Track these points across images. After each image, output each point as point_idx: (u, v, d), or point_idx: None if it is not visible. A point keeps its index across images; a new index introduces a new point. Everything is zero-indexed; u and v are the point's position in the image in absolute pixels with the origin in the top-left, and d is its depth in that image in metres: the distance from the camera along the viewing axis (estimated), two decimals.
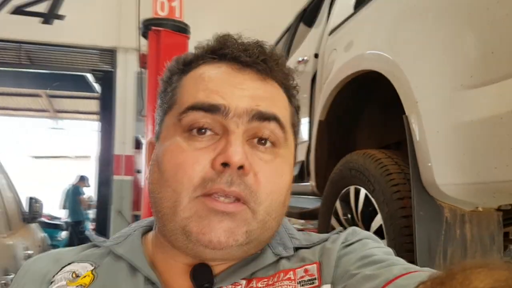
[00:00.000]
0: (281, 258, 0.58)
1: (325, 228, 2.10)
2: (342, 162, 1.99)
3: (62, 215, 8.58)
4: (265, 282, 0.55)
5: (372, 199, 1.72)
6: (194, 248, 0.53)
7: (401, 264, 0.49)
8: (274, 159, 0.56)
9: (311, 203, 2.63)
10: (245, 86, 0.56)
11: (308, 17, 3.10)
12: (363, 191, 1.80)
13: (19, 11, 6.01)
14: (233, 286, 0.55)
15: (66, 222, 7.99)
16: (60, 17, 6.06)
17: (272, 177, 0.55)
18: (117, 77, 6.14)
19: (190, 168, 0.52)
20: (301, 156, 2.54)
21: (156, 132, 0.62)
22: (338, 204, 2.02)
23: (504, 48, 1.18)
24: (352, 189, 1.89)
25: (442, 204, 1.42)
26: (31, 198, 3.29)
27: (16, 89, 9.17)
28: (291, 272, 0.55)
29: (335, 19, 2.36)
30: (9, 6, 6.03)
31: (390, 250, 0.56)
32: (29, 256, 2.35)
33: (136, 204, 5.79)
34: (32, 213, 3.20)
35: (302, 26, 3.20)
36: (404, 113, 1.49)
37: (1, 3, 5.96)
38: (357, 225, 1.85)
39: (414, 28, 1.56)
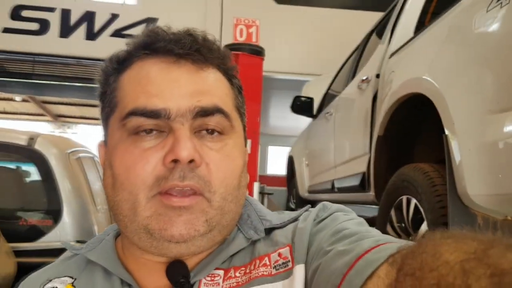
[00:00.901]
0: (255, 241, 0.59)
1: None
2: (396, 174, 2.22)
3: None
4: (242, 271, 0.56)
5: (420, 208, 1.95)
6: (159, 245, 0.54)
7: (372, 236, 0.50)
8: (223, 146, 0.57)
9: (372, 212, 2.86)
10: (183, 81, 0.56)
11: (379, 30, 3.32)
12: (413, 201, 2.03)
13: (117, 34, 6.80)
14: (211, 278, 0.55)
15: None
16: None
17: (224, 164, 0.56)
18: None
19: (142, 169, 0.53)
20: (363, 168, 2.78)
21: (103, 135, 0.62)
22: (392, 213, 2.24)
23: None
24: (404, 198, 2.12)
25: (476, 212, 1.62)
26: None
27: None
28: (266, 258, 0.56)
29: (396, 42, 2.59)
30: (109, 30, 6.84)
31: (361, 220, 0.57)
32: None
33: None
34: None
35: (374, 37, 3.43)
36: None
37: (102, 27, 6.78)
38: (409, 232, 2.09)
39: (454, 55, 1.78)
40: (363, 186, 2.80)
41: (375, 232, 0.52)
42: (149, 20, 6.83)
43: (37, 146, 2.15)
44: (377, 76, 2.73)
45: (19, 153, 2.18)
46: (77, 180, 2.29)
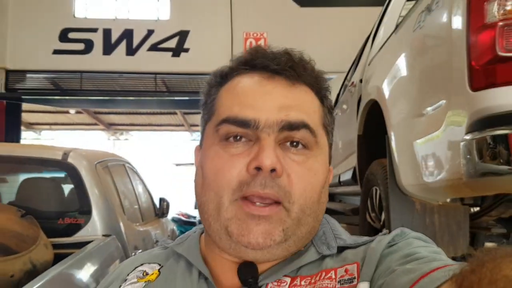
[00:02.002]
0: (325, 256, 0.60)
1: (363, 221, 2.66)
2: (369, 168, 2.55)
3: (196, 214, 9.98)
4: (308, 281, 0.57)
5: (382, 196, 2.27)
6: (237, 248, 0.57)
7: (444, 260, 0.51)
8: (306, 160, 0.58)
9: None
10: (275, 95, 0.59)
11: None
12: (378, 191, 2.35)
13: (153, 48, 7.42)
14: (277, 283, 0.57)
15: (198, 220, 9.34)
16: (185, 50, 7.33)
17: (305, 176, 0.57)
18: None
19: (228, 172, 0.56)
20: (354, 163, 3.11)
21: (200, 139, 0.66)
22: (368, 202, 2.57)
23: (431, 89, 1.70)
24: (373, 189, 2.45)
25: (413, 199, 1.94)
26: (161, 199, 4.30)
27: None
28: (332, 272, 0.57)
29: (374, 48, 2.90)
30: (146, 44, 7.47)
31: (438, 249, 0.56)
32: (157, 241, 3.29)
33: None
34: (161, 210, 4.21)
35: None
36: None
37: (140, 43, 7.43)
38: (378, 218, 2.42)
39: (397, 67, 2.09)
40: (354, 179, 3.13)
41: (447, 258, 0.52)
42: (182, 33, 7.41)
43: (70, 160, 2.65)
44: (360, 81, 3.04)
45: (56, 166, 2.70)
46: (105, 186, 2.78)
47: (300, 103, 0.60)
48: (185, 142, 14.10)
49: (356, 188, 3.07)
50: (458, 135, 1.45)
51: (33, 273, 2.02)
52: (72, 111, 10.12)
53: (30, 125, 11.90)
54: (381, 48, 2.61)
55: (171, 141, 14.71)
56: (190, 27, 7.39)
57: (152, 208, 4.12)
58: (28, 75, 7.66)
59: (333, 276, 0.56)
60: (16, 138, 7.71)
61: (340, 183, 3.88)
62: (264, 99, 0.58)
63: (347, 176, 3.40)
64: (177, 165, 16.44)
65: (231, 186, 0.56)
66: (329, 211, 2.32)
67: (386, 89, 2.14)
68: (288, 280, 0.57)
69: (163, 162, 15.22)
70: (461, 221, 1.93)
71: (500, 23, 1.32)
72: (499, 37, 1.32)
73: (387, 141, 2.02)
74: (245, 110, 0.58)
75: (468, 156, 1.39)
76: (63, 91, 7.69)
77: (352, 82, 3.23)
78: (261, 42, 4.22)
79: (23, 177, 2.90)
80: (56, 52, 7.52)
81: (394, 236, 0.59)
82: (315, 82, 0.63)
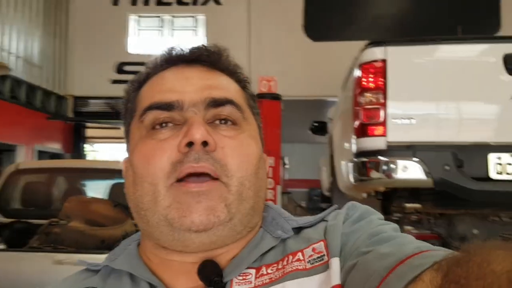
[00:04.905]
0: (284, 240, 0.59)
1: None
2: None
3: None
4: (274, 267, 0.55)
5: None
6: (180, 237, 0.53)
7: (411, 242, 0.50)
8: (237, 134, 0.57)
9: None
10: (195, 79, 0.59)
11: None
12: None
13: None
14: (243, 278, 0.55)
15: None
16: None
17: (239, 149, 0.56)
18: None
19: (159, 158, 0.54)
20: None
21: (126, 149, 0.63)
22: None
23: (346, 134, 3.09)
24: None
25: (346, 194, 3.32)
26: None
27: None
28: (300, 253, 0.56)
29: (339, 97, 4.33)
30: None
31: (396, 226, 0.57)
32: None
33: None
34: None
35: None
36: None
37: None
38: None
39: (339, 117, 3.50)
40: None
41: (411, 238, 0.53)
42: None
43: None
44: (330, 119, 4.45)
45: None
46: None
47: (221, 84, 0.60)
48: None
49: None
50: (351, 160, 2.84)
51: (125, 236, 3.51)
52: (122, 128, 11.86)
53: (86, 139, 13.78)
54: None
55: None
56: None
57: None
58: (91, 101, 9.38)
59: (301, 258, 0.55)
60: (81, 151, 9.47)
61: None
62: (184, 83, 0.58)
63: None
64: None
65: (165, 170, 0.54)
66: None
67: (335, 127, 3.54)
68: (253, 271, 0.55)
69: None
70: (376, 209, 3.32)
71: (365, 107, 2.71)
72: (363, 114, 2.70)
73: (331, 156, 3.43)
74: (167, 94, 0.57)
75: (353, 171, 2.78)
76: (118, 113, 9.28)
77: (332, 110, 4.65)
78: (273, 84, 5.66)
79: (113, 181, 4.42)
80: (114, 81, 9.17)
81: (347, 210, 0.60)
82: (233, 70, 0.63)
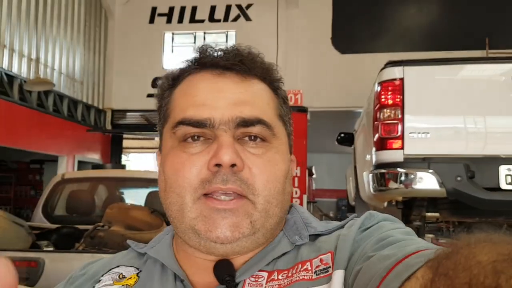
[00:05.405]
0: (299, 246, 0.60)
1: None
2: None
3: None
4: (285, 274, 0.57)
5: None
6: (206, 244, 0.57)
7: (415, 243, 0.50)
8: (266, 152, 0.59)
9: None
10: (228, 92, 0.60)
11: None
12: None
13: None
14: (255, 279, 0.57)
15: None
16: None
17: (266, 168, 0.58)
18: None
19: (188, 172, 0.57)
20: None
21: (159, 144, 0.67)
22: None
23: (367, 147, 3.29)
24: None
25: (368, 203, 3.51)
26: None
27: None
28: (308, 263, 0.57)
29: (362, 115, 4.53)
30: None
31: (409, 230, 0.57)
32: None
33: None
34: None
35: None
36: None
37: None
38: None
39: (361, 133, 3.71)
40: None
41: (419, 240, 0.53)
42: None
43: None
44: (355, 130, 4.65)
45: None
46: None
47: (253, 98, 0.60)
48: None
49: None
50: (371, 171, 3.04)
51: None
52: (156, 138, 12.32)
53: (123, 149, 14.38)
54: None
55: None
56: None
57: None
58: (128, 114, 9.85)
59: (309, 268, 0.56)
60: (118, 161, 9.93)
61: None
62: (217, 97, 0.59)
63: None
64: None
65: (193, 185, 0.56)
66: None
67: (358, 139, 3.74)
68: (265, 274, 0.57)
69: None
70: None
71: (384, 121, 2.91)
72: (382, 128, 2.91)
73: (354, 169, 3.62)
74: (199, 110, 0.59)
75: (372, 182, 2.98)
76: (153, 125, 9.73)
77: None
78: (299, 97, 5.93)
79: (149, 190, 4.74)
80: (149, 95, 9.60)
81: (363, 220, 0.59)
82: (266, 74, 0.64)
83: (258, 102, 0.61)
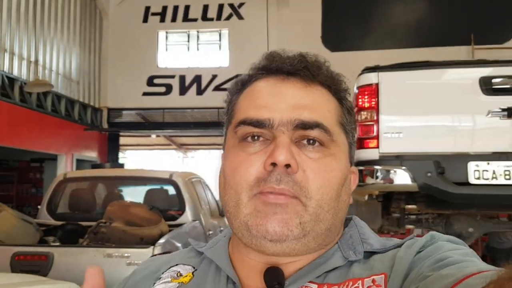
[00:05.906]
0: (352, 262, 0.59)
1: None
2: None
3: None
4: None
5: None
6: (257, 242, 0.57)
7: (476, 265, 0.49)
8: (323, 157, 0.59)
9: None
10: (289, 96, 0.60)
11: None
12: None
13: (217, 88, 9.57)
14: None
15: None
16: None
17: (321, 172, 0.58)
18: None
19: (246, 171, 0.58)
20: None
21: (223, 144, 0.69)
22: None
23: None
24: None
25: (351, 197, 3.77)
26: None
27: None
28: (359, 282, 0.56)
29: None
30: (212, 86, 9.65)
31: (470, 251, 0.56)
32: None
33: None
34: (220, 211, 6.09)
35: None
36: None
37: (207, 85, 9.63)
38: None
39: None
40: None
41: (480, 262, 0.52)
42: (238, 76, 9.45)
43: (173, 178, 4.64)
44: None
45: (166, 182, 4.74)
46: (192, 193, 4.74)
47: (314, 103, 0.61)
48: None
49: None
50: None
51: (161, 235, 4.02)
52: (153, 135, 12.57)
53: (120, 147, 14.59)
54: None
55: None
56: (244, 71, 9.38)
57: (216, 208, 6.04)
58: (124, 112, 10.09)
59: (360, 286, 0.55)
60: (115, 159, 10.19)
61: None
62: (278, 100, 0.60)
63: None
64: None
65: (249, 182, 0.58)
66: None
67: None
68: (315, 286, 0.57)
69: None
70: (376, 209, 3.68)
71: (361, 123, 3.16)
72: (360, 129, 3.16)
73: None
74: (260, 111, 0.60)
75: None
76: (149, 123, 10.04)
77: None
78: None
79: (147, 188, 4.98)
80: (144, 94, 9.85)
81: (425, 242, 0.57)
82: (331, 82, 0.64)
83: (319, 107, 0.61)
